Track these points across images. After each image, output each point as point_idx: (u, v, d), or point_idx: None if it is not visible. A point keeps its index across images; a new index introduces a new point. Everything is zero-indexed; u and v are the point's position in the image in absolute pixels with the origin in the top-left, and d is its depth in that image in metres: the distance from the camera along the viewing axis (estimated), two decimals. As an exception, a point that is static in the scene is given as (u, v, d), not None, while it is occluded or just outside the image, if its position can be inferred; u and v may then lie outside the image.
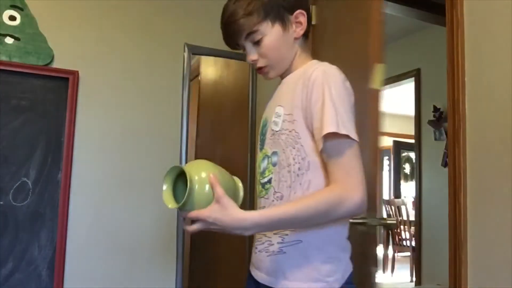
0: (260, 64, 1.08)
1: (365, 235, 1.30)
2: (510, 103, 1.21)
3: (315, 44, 2.07)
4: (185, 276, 1.97)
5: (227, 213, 0.93)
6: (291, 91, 1.05)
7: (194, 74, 2.17)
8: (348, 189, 0.95)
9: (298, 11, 1.08)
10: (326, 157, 0.98)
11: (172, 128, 1.96)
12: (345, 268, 1.03)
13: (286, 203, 1.01)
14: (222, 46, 2.29)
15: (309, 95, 0.99)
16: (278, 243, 1.02)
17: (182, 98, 1.98)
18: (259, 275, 1.08)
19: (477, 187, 1.29)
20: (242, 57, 2.17)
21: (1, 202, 1.68)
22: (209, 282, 2.34)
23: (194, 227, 0.97)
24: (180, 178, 1.04)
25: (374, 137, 1.33)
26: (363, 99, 1.39)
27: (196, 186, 0.97)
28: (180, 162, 1.93)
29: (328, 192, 0.96)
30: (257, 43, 1.06)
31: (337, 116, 0.95)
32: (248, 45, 1.08)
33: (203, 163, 1.05)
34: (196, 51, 2.03)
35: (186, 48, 2.00)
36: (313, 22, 2.10)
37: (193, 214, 0.95)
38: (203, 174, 0.98)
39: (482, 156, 1.28)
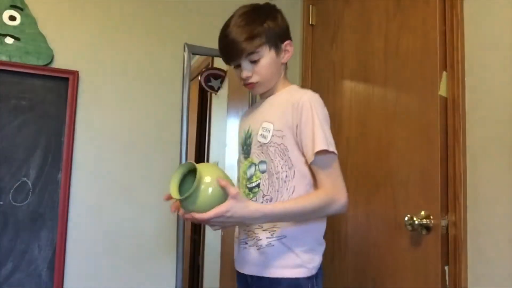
0: (252, 80, 1.26)
1: (432, 234, 1.37)
2: (510, 103, 1.20)
3: (315, 44, 2.08)
4: (185, 276, 1.97)
5: (244, 205, 1.10)
6: (280, 110, 1.24)
7: (194, 74, 2.16)
8: (336, 193, 1.18)
9: (287, 41, 1.30)
10: (316, 168, 1.19)
11: (172, 129, 1.96)
12: (319, 259, 1.24)
13: (288, 200, 1.19)
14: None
15: (298, 116, 1.19)
16: (267, 237, 1.20)
17: (182, 98, 1.98)
18: (247, 268, 1.25)
19: (477, 187, 1.29)
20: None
21: (1, 202, 1.68)
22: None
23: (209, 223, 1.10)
24: (189, 176, 1.13)
25: (441, 140, 1.38)
26: (426, 104, 1.41)
27: (202, 186, 1.07)
28: (180, 163, 1.93)
29: (322, 194, 1.18)
30: (253, 62, 1.24)
31: (325, 136, 1.18)
32: (245, 63, 1.25)
33: (214, 167, 1.17)
34: (196, 51, 2.03)
35: (186, 48, 2.00)
36: (313, 23, 2.11)
37: (212, 213, 1.06)
38: (209, 179, 1.08)
39: (482, 156, 1.28)
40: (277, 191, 1.21)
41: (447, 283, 1.32)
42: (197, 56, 2.14)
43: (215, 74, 2.34)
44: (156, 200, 1.91)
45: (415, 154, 1.46)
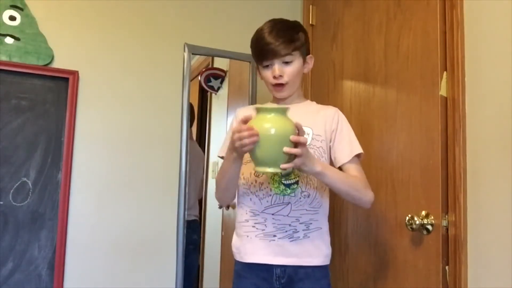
0: (282, 80, 1.37)
1: (433, 234, 1.38)
2: (510, 103, 1.20)
3: (315, 44, 2.08)
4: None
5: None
6: (316, 118, 1.41)
7: (194, 74, 2.16)
8: (368, 186, 1.37)
9: (309, 55, 1.46)
10: (349, 165, 1.37)
11: (172, 128, 1.96)
12: None
13: (338, 170, 1.35)
14: (222, 46, 2.31)
15: (335, 125, 1.40)
16: (303, 230, 1.33)
17: (182, 98, 1.98)
18: (279, 259, 1.32)
19: (477, 187, 1.29)
20: (241, 57, 2.18)
21: (1, 202, 1.68)
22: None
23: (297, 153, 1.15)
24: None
25: (441, 140, 1.38)
26: (427, 104, 1.42)
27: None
28: (180, 163, 1.93)
29: (359, 179, 1.36)
30: (286, 63, 1.37)
31: (357, 141, 1.40)
32: (279, 63, 1.36)
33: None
34: (196, 51, 2.03)
35: (186, 48, 2.00)
36: (313, 23, 2.11)
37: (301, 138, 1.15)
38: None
39: (482, 156, 1.28)
40: (316, 188, 1.35)
41: (448, 283, 1.32)
42: (197, 56, 2.14)
43: (215, 74, 2.34)
44: (156, 200, 1.91)
45: (416, 154, 1.46)
